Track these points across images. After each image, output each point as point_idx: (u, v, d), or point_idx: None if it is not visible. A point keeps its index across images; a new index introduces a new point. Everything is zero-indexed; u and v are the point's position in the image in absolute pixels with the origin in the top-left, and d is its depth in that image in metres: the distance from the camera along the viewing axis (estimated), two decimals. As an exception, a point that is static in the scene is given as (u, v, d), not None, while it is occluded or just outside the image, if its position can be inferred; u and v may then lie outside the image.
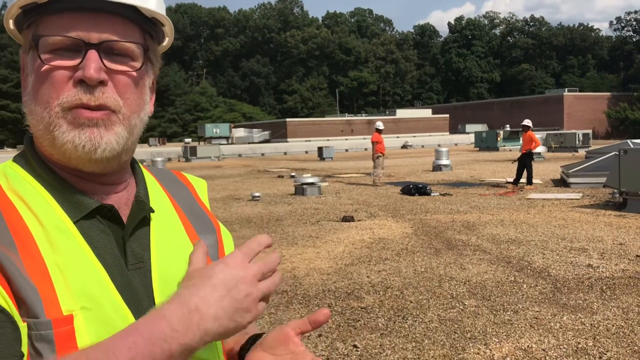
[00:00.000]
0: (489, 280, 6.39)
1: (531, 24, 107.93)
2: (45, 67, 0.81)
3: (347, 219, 10.90)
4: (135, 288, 0.84)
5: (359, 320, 5.19)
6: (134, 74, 0.86)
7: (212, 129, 56.75)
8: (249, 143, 54.09)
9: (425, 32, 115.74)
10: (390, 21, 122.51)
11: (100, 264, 0.81)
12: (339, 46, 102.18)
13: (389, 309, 5.49)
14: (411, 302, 5.71)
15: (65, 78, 0.81)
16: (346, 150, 49.21)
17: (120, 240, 0.86)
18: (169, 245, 0.91)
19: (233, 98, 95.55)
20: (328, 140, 52.70)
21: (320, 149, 37.22)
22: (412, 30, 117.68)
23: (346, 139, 56.37)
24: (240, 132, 59.20)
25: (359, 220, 10.86)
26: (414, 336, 4.77)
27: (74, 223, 0.82)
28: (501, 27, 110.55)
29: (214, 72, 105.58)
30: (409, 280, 6.48)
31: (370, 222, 10.69)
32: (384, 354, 4.43)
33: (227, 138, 55.92)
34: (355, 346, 4.56)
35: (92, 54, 0.81)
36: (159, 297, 0.85)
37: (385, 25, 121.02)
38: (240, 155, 44.34)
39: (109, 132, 0.83)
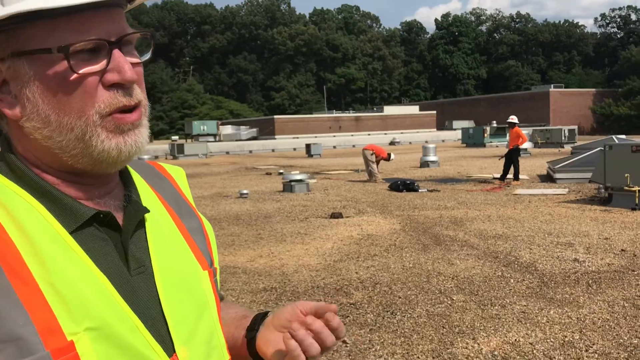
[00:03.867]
0: (476, 276, 6.43)
1: (517, 20, 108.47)
2: (75, 75, 0.75)
3: (336, 215, 10.92)
4: (140, 294, 0.80)
5: (348, 316, 5.21)
6: (141, 64, 0.83)
7: (199, 126, 56.49)
8: (236, 140, 53.93)
9: (412, 28, 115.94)
10: (377, 18, 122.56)
11: (103, 275, 0.77)
12: (326, 43, 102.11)
13: (378, 305, 5.52)
14: (400, 297, 5.73)
15: (95, 83, 0.77)
16: (334, 147, 49.22)
17: (120, 246, 0.82)
18: (165, 245, 0.88)
19: (220, 95, 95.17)
20: (316, 137, 52.66)
21: (308, 146, 37.20)
22: (399, 27, 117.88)
23: (334, 136, 56.37)
24: (227, 130, 59.03)
25: (347, 217, 10.88)
26: (403, 331, 4.80)
27: (70, 234, 0.77)
28: (487, 24, 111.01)
29: (200, 69, 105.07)
30: (397, 276, 6.51)
31: (359, 218, 10.72)
32: (373, 349, 4.45)
33: (214, 135, 55.70)
34: (344, 342, 4.58)
35: (117, 53, 0.77)
36: (165, 300, 0.83)
37: (372, 21, 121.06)
38: (227, 153, 44.18)
39: (143, 130, 0.82)
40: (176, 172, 1.06)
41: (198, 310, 0.88)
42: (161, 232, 0.89)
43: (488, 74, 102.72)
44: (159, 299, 0.83)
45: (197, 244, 0.94)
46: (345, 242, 8.49)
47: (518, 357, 4.18)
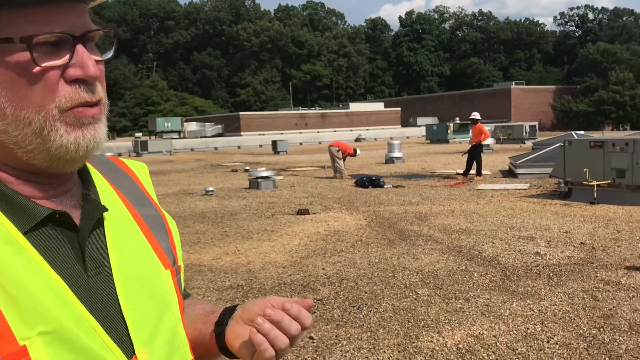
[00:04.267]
0: (441, 270, 6.52)
1: (479, 18, 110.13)
2: (37, 68, 0.73)
3: (302, 212, 10.92)
4: (98, 295, 0.78)
5: (314, 312, 5.22)
6: (103, 62, 0.81)
7: (163, 123, 55.68)
8: (201, 137, 53.37)
9: (377, 26, 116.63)
10: (342, 15, 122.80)
11: (58, 276, 0.74)
12: (292, 39, 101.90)
13: (344, 300, 5.54)
14: (366, 292, 5.77)
15: (57, 77, 0.74)
16: (300, 143, 49.17)
17: (77, 247, 0.79)
18: (125, 244, 0.85)
19: (184, 91, 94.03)
20: (282, 133, 52.54)
21: (274, 143, 37.10)
22: (364, 24, 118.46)
23: (300, 133, 56.31)
24: (192, 126, 58.35)
25: (314, 213, 10.89)
26: (369, 326, 4.83)
27: (24, 234, 0.74)
28: (450, 22, 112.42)
29: (164, 65, 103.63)
30: (363, 271, 6.55)
31: (325, 214, 10.74)
32: (340, 344, 4.47)
33: (179, 132, 54.99)
34: (311, 338, 4.59)
35: (81, 49, 0.75)
36: (124, 301, 0.80)
37: (337, 18, 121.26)
38: (192, 150, 43.73)
39: (102, 126, 0.80)
40: (138, 168, 1.03)
41: (159, 310, 0.86)
42: (121, 231, 0.86)
43: (451, 71, 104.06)
44: (118, 300, 0.80)
45: (159, 242, 0.92)
46: (311, 239, 8.50)
47: (482, 349, 4.25)
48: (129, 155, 38.21)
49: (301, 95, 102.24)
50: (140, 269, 0.85)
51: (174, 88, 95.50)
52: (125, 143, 43.70)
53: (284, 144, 36.70)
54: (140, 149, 37.48)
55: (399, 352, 4.28)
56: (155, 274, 0.88)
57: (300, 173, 20.31)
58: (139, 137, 50.82)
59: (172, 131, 54.58)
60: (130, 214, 0.91)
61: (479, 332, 4.59)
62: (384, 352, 4.29)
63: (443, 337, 4.51)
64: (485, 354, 4.16)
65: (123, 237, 0.86)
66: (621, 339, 4.34)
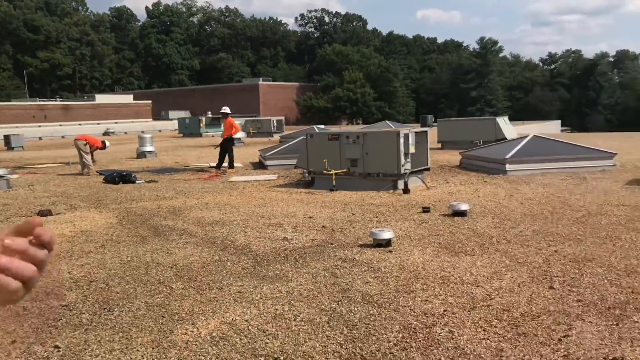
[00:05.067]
0: (195, 262, 6.58)
1: (226, 14, 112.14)
2: None
3: (44, 213, 10.01)
4: None
5: (60, 319, 4.86)
6: None
7: None
8: None
9: (123, 15, 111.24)
10: (84, 1, 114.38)
11: None
12: (24, 23, 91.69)
13: (94, 303, 5.27)
14: (117, 292, 5.56)
15: None
16: (40, 138, 44.85)
17: None
18: None
19: None
20: (17, 127, 47.09)
21: (7, 137, 33.16)
22: (108, 12, 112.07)
23: (39, 126, 51.23)
24: None
25: (57, 214, 10.07)
26: (122, 326, 4.67)
27: None
28: (199, 16, 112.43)
29: None
30: (114, 271, 6.29)
31: (71, 214, 10.01)
32: (89, 349, 4.25)
33: None
34: (56, 347, 4.28)
35: None
36: None
37: (77, 4, 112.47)
38: None
39: None
40: None
41: None
42: None
43: (201, 65, 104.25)
44: None
45: None
46: (56, 242, 7.85)
47: (235, 335, 4.43)
48: None
49: (39, 85, 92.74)
50: None
51: None
52: None
53: (19, 138, 33.06)
54: None
55: (153, 348, 4.23)
56: None
57: (41, 170, 18.52)
58: None
59: None
60: None
61: (232, 319, 4.76)
62: (138, 350, 4.20)
63: (197, 328, 4.58)
64: (238, 339, 4.34)
65: None
66: (356, 309, 4.90)
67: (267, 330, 4.49)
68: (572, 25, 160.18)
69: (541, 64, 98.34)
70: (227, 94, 74.92)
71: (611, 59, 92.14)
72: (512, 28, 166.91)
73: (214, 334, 4.45)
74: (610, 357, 3.84)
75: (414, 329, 4.43)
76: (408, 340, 4.21)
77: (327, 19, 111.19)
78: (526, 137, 15.61)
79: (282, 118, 41.33)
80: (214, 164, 17.44)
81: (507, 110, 72.41)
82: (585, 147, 15.02)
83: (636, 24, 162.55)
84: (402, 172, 11.61)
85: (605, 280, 5.46)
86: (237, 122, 21.76)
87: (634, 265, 5.93)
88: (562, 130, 50.84)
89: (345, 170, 12.18)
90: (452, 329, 4.40)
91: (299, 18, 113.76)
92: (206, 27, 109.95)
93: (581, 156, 14.08)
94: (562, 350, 3.97)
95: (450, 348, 4.07)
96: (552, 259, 6.26)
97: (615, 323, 4.41)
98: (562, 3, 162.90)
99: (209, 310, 4.99)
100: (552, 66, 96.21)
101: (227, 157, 17.21)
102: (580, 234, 7.42)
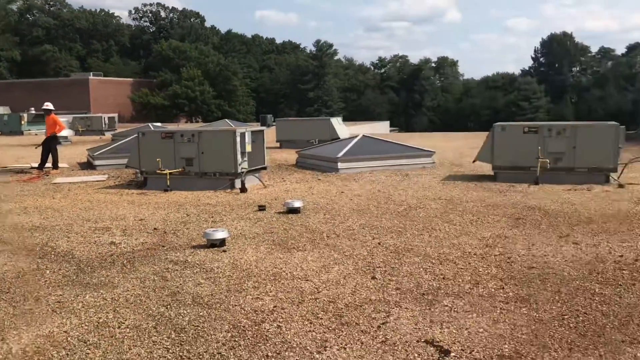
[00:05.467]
0: (9, 272, 6.02)
1: (51, 3, 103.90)
2: None
3: None
4: None
5: None
6: None
7: None
8: None
9: None
10: None
11: None
12: None
13: None
14: None
15: None
16: None
17: None
18: None
19: None
20: None
21: None
22: None
23: None
24: None
25: None
26: None
27: None
28: (19, 3, 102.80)
29: None
30: None
31: None
32: None
33: None
34: None
35: None
36: None
37: None
38: None
39: None
40: None
41: None
42: None
43: (22, 56, 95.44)
44: None
45: None
46: None
47: (52, 347, 4.12)
48: None
49: None
50: None
51: None
52: None
53: None
54: None
55: (-47, 371, 3.80)
56: None
57: None
58: None
59: None
60: None
61: (50, 331, 4.43)
62: None
63: (8, 344, 4.19)
64: (55, 352, 4.05)
65: None
66: (185, 312, 4.80)
67: (89, 340, 4.24)
68: (401, 32, 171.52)
69: (372, 68, 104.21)
70: (53, 89, 69.42)
71: (433, 65, 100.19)
72: (346, 32, 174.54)
73: (27, 349, 4.10)
74: (422, 340, 4.17)
75: (243, 327, 4.45)
76: (237, 339, 4.23)
77: (163, 13, 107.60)
78: (356, 137, 16.46)
79: (115, 115, 39.41)
80: (37, 165, 16.10)
81: (342, 111, 75.94)
82: (409, 147, 16.22)
83: (455, 33, 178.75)
84: (239, 171, 11.63)
85: (421, 269, 5.93)
86: (63, 119, 20.35)
87: (446, 253, 6.52)
88: (390, 130, 54.38)
89: (180, 169, 11.90)
90: (281, 324, 4.49)
91: (133, 11, 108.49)
92: (28, 15, 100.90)
93: (405, 154, 15.18)
94: (380, 337, 4.24)
95: (277, 343, 4.16)
96: (376, 251, 6.66)
97: (428, 308, 4.81)
98: (391, 10, 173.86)
99: (22, 323, 4.59)
100: (382, 70, 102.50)
101: (50, 157, 15.97)
102: (401, 226, 7.98)
